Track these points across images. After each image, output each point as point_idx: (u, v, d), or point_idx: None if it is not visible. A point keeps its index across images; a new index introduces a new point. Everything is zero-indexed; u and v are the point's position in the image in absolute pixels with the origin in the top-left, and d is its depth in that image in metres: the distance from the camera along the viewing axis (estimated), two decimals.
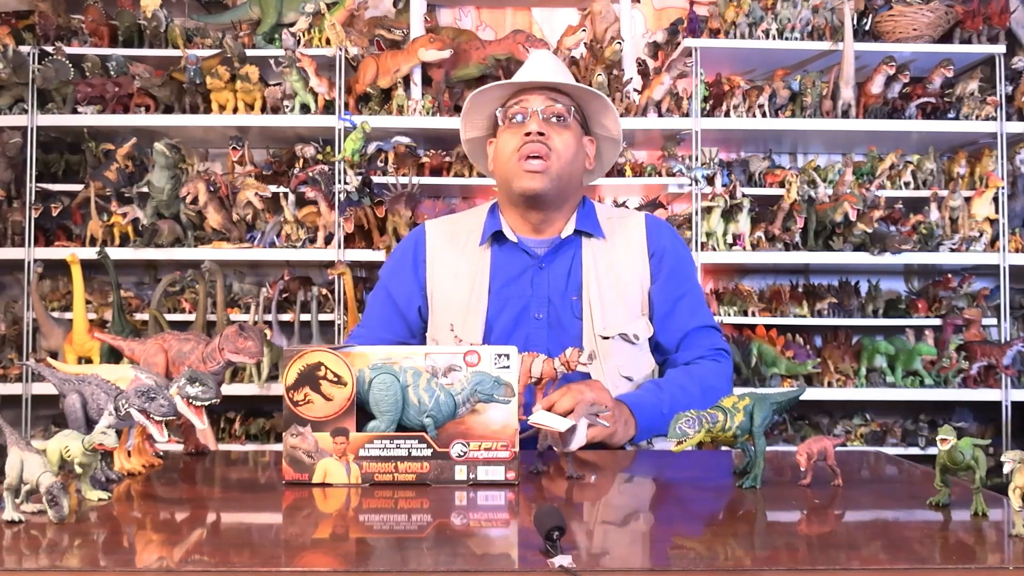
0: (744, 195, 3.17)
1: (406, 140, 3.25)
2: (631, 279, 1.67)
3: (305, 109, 3.22)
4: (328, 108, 3.21)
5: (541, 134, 1.60)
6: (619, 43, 3.22)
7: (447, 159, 3.31)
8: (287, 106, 3.22)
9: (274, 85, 3.25)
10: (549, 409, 1.33)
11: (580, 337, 1.62)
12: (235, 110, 3.22)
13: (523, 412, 1.30)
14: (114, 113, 3.23)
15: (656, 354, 1.70)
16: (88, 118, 3.22)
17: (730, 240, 3.22)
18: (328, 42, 3.24)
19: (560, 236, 1.68)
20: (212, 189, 3.12)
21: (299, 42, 3.20)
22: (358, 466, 1.14)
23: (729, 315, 3.25)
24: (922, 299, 3.33)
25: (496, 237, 1.71)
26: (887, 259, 3.17)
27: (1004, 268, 3.23)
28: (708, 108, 3.29)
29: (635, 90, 3.31)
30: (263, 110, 3.24)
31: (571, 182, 1.68)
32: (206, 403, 1.10)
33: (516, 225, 1.71)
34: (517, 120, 1.65)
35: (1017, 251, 3.25)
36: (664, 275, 1.69)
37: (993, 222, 3.27)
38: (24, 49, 3.21)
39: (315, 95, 3.19)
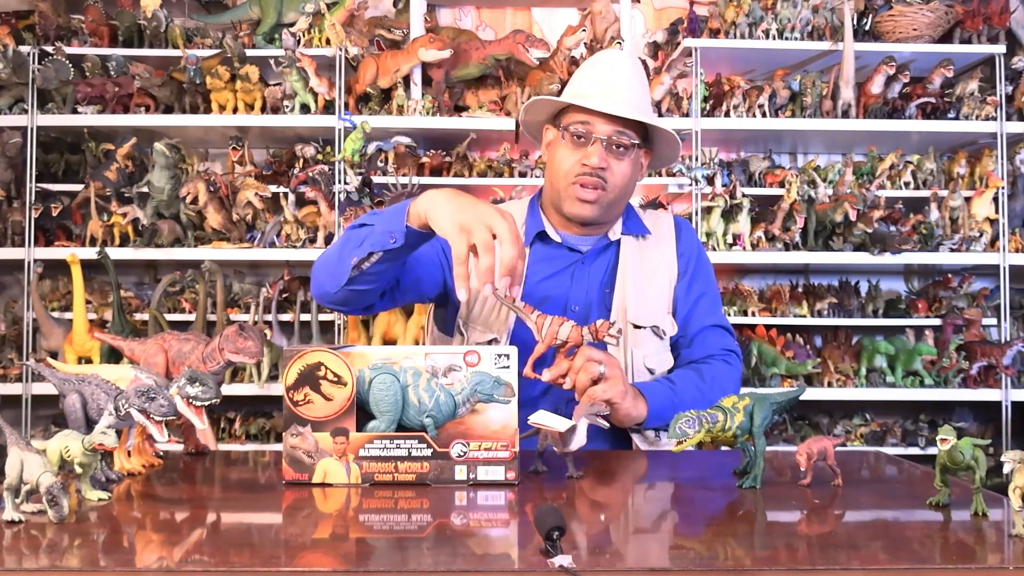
0: (744, 195, 3.17)
1: (406, 140, 3.25)
2: (663, 277, 1.69)
3: (305, 109, 3.22)
4: (328, 108, 3.20)
5: (602, 167, 1.58)
6: (619, 43, 3.22)
7: (447, 159, 3.31)
8: (287, 106, 3.22)
9: (274, 85, 3.25)
10: (562, 378, 1.37)
11: None
12: (235, 110, 3.22)
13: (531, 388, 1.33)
14: (114, 113, 3.23)
15: (671, 350, 1.72)
16: (88, 118, 3.22)
17: (730, 240, 3.21)
18: (328, 42, 3.24)
19: (608, 236, 1.69)
20: (212, 189, 3.12)
21: (299, 42, 3.20)
22: (358, 466, 1.14)
23: (729, 315, 3.25)
24: (922, 299, 3.33)
25: (539, 235, 1.70)
26: (887, 259, 3.17)
27: (1004, 268, 3.23)
28: (708, 108, 3.29)
29: None
30: (263, 110, 3.23)
31: (620, 203, 1.68)
32: (206, 403, 1.09)
33: (559, 224, 1.71)
34: (580, 140, 1.60)
35: (1017, 251, 3.25)
36: (689, 275, 1.71)
37: (993, 222, 3.27)
38: (24, 49, 3.20)
39: (315, 95, 3.19)
